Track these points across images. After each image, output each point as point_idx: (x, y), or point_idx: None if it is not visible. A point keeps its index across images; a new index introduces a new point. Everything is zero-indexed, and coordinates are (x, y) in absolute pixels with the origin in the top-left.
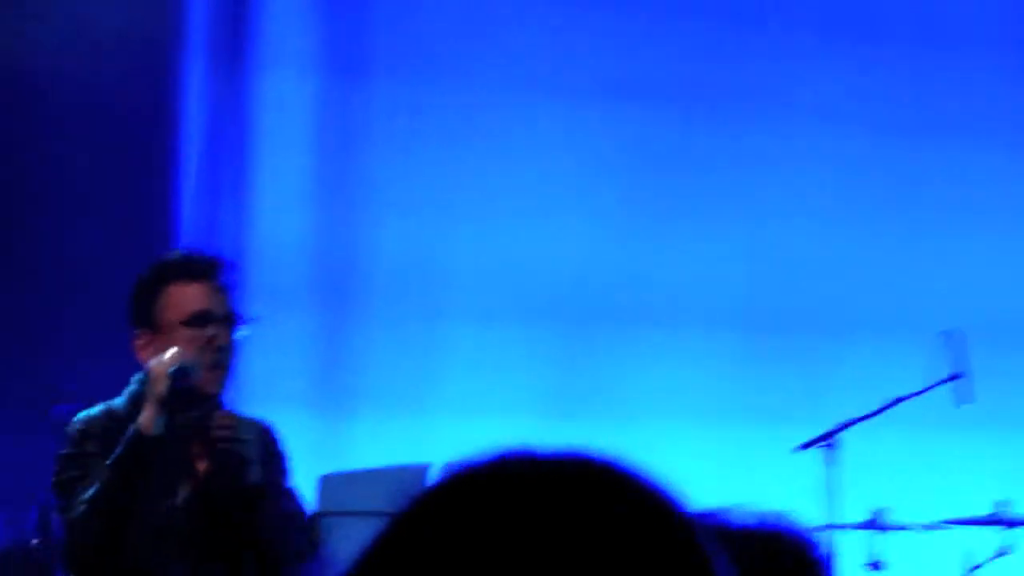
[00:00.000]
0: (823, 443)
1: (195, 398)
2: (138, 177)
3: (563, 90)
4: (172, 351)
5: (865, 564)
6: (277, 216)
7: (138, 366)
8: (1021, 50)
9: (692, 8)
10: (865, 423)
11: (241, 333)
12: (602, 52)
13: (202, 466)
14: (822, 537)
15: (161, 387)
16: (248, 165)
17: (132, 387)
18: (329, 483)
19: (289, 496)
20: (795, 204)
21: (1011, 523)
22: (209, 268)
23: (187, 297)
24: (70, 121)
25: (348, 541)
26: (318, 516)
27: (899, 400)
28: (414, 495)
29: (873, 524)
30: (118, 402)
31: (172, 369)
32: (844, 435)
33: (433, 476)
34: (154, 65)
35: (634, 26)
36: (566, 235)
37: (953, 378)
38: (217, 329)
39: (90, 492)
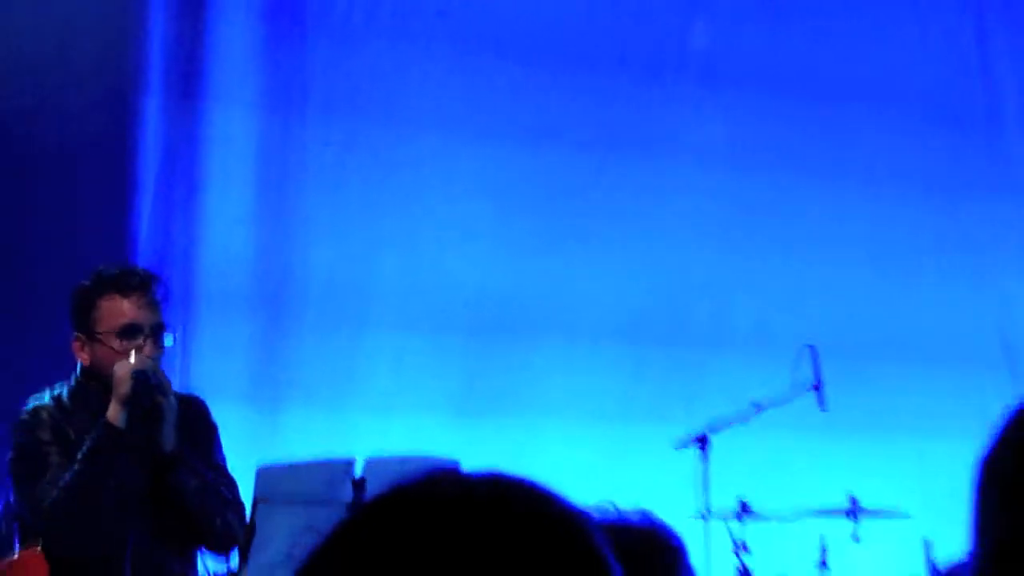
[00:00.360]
0: (697, 441)
1: (150, 395)
2: (100, 196)
3: (476, 131)
4: (133, 357)
5: (732, 549)
6: (223, 235)
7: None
8: (882, 99)
9: (592, 61)
10: (734, 425)
11: (167, 341)
12: (510, 99)
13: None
14: (679, 529)
15: (124, 388)
16: (197, 190)
17: (73, 381)
18: (265, 473)
19: (217, 469)
20: (676, 233)
21: (859, 514)
22: (140, 283)
23: (119, 310)
24: (41, 144)
25: (281, 526)
26: (255, 501)
27: (761, 407)
28: (346, 516)
29: (739, 513)
30: (61, 391)
31: (133, 372)
32: (715, 435)
33: (356, 469)
34: (116, 99)
35: (540, 77)
36: (476, 257)
37: (811, 388)
38: (145, 339)
39: (66, 478)
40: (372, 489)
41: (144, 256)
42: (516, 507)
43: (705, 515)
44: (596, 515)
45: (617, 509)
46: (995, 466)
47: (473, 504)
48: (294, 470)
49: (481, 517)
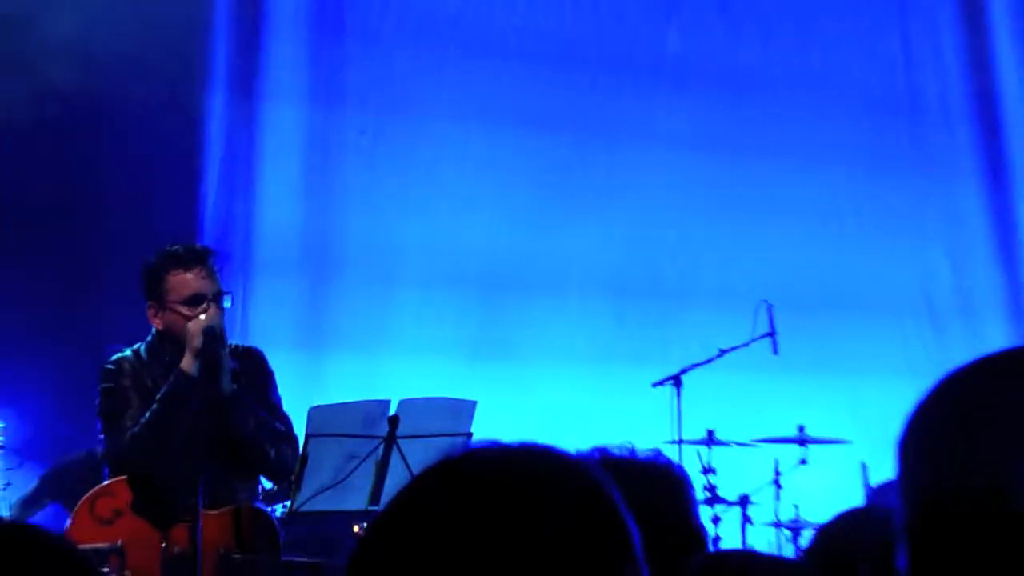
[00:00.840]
0: (671, 380)
1: (217, 348)
2: (174, 177)
3: (484, 119)
4: (204, 315)
5: (700, 471)
6: (275, 210)
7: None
8: (821, 91)
9: (582, 62)
10: (702, 366)
11: (226, 303)
12: (512, 93)
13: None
14: (681, 463)
15: (196, 341)
16: (254, 171)
17: (149, 339)
18: (316, 412)
19: (273, 408)
20: (651, 204)
21: (807, 441)
22: (199, 258)
23: (183, 283)
24: (123, 131)
25: (329, 456)
26: (307, 436)
27: (724, 351)
28: (399, 490)
29: (706, 441)
30: (140, 347)
31: (204, 327)
32: (686, 375)
33: (391, 408)
34: (187, 95)
35: (538, 75)
36: (484, 225)
37: (766, 335)
38: (208, 303)
39: (146, 416)
40: (404, 426)
41: (210, 229)
42: (543, 477)
43: (678, 442)
44: (617, 452)
45: (633, 449)
46: (920, 423)
47: (509, 477)
48: (339, 410)
49: (515, 489)
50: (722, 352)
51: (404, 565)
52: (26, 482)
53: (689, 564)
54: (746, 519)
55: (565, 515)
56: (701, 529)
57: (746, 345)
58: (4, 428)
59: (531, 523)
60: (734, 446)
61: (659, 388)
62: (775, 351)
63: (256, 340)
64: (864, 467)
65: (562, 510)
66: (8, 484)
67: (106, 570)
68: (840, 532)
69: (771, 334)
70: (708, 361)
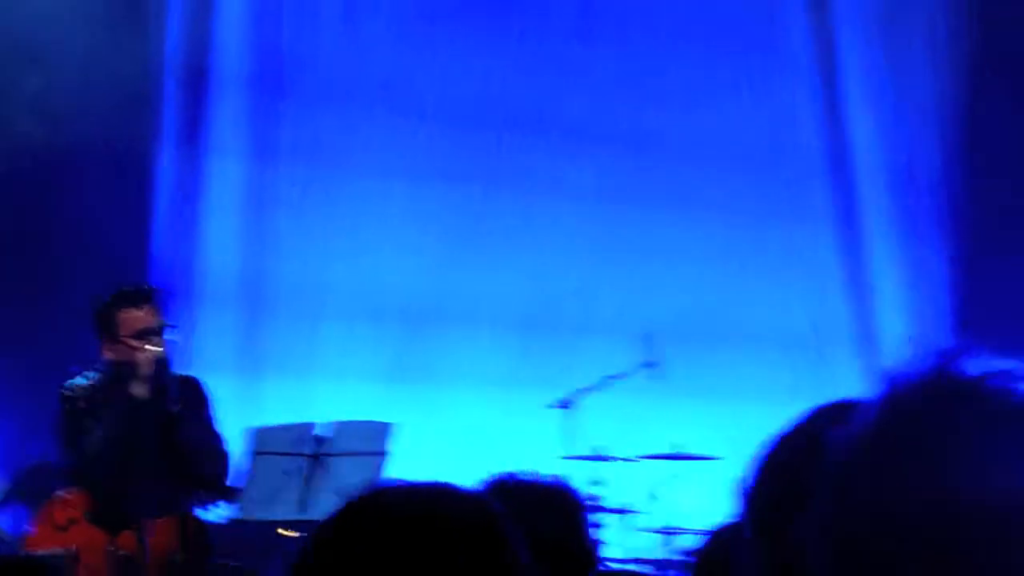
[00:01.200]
0: (565, 403)
1: (164, 374)
2: (127, 220)
3: (404, 175)
4: (151, 347)
5: (588, 483)
6: (216, 251)
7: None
8: (714, 150)
9: (492, 121)
10: (592, 392)
11: (170, 336)
12: (430, 150)
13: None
14: (549, 468)
15: (145, 370)
16: (198, 217)
17: (101, 367)
18: (257, 432)
19: (209, 430)
20: (554, 247)
21: (682, 458)
22: (147, 296)
23: (133, 319)
24: (80, 178)
25: (267, 470)
26: (253, 452)
27: (611, 378)
28: (316, 525)
29: (593, 456)
30: (93, 374)
31: (153, 358)
32: (579, 399)
33: (316, 430)
34: (139, 146)
35: (453, 133)
36: (404, 267)
37: (648, 364)
38: (155, 336)
39: (99, 434)
40: (331, 445)
41: (157, 268)
42: (442, 516)
43: (569, 457)
44: (522, 477)
45: (537, 474)
46: (753, 495)
47: (410, 517)
48: (274, 430)
49: (415, 528)
50: (611, 379)
51: None
52: None
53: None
54: (627, 526)
55: (459, 553)
56: (594, 548)
57: (632, 373)
58: None
59: (428, 560)
60: (618, 462)
61: (554, 410)
62: (655, 378)
63: (199, 367)
64: (735, 482)
65: (456, 547)
66: None
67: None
68: (718, 543)
69: (653, 364)
70: (596, 387)
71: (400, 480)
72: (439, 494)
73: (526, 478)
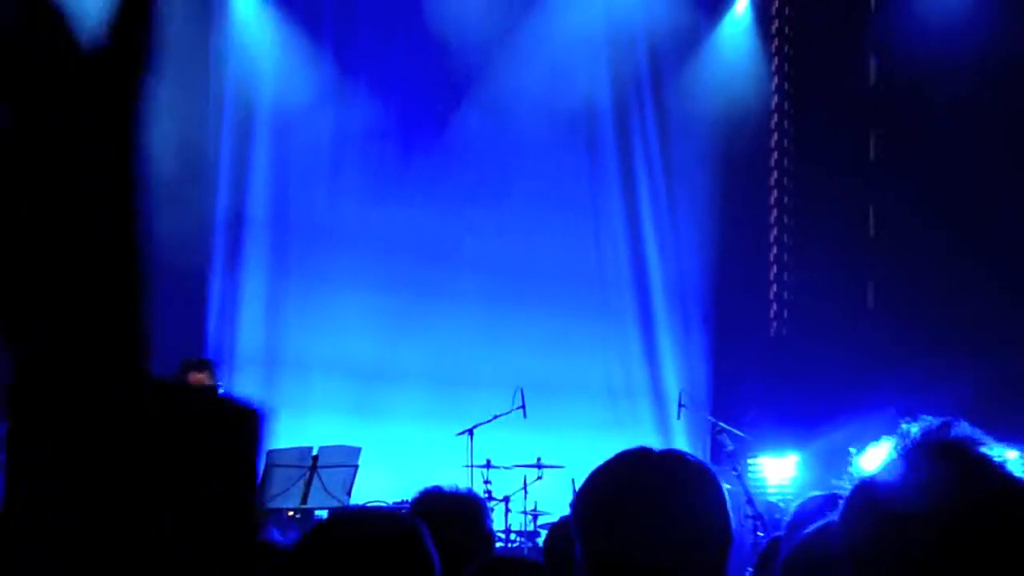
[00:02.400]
0: (468, 432)
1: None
2: (190, 316)
3: (366, 286)
4: None
5: (483, 482)
6: (247, 333)
7: None
8: (556, 274)
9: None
10: (484, 424)
11: (220, 389)
12: (379, 267)
13: None
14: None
15: None
16: (234, 313)
17: None
18: (270, 451)
19: None
20: (455, 333)
21: (541, 466)
22: (205, 364)
23: (197, 378)
24: (160, 285)
25: (277, 476)
26: (267, 467)
27: (497, 416)
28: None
29: (487, 465)
30: None
31: None
32: (476, 428)
33: (313, 451)
34: (196, 268)
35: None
36: (356, 332)
37: (519, 408)
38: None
39: None
40: (319, 460)
41: (210, 348)
42: (383, 535)
43: (470, 465)
44: (445, 489)
45: (455, 486)
46: (578, 510)
47: (362, 537)
48: (283, 451)
49: (367, 545)
50: (496, 416)
51: None
52: None
53: (479, 560)
54: (507, 510)
55: (391, 559)
56: (492, 536)
57: (510, 411)
58: None
59: (370, 566)
60: (501, 469)
61: (461, 435)
62: (524, 415)
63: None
64: (572, 482)
65: (390, 555)
66: None
67: None
68: (560, 530)
69: (523, 406)
70: (487, 421)
71: (357, 507)
72: (381, 516)
73: (447, 489)
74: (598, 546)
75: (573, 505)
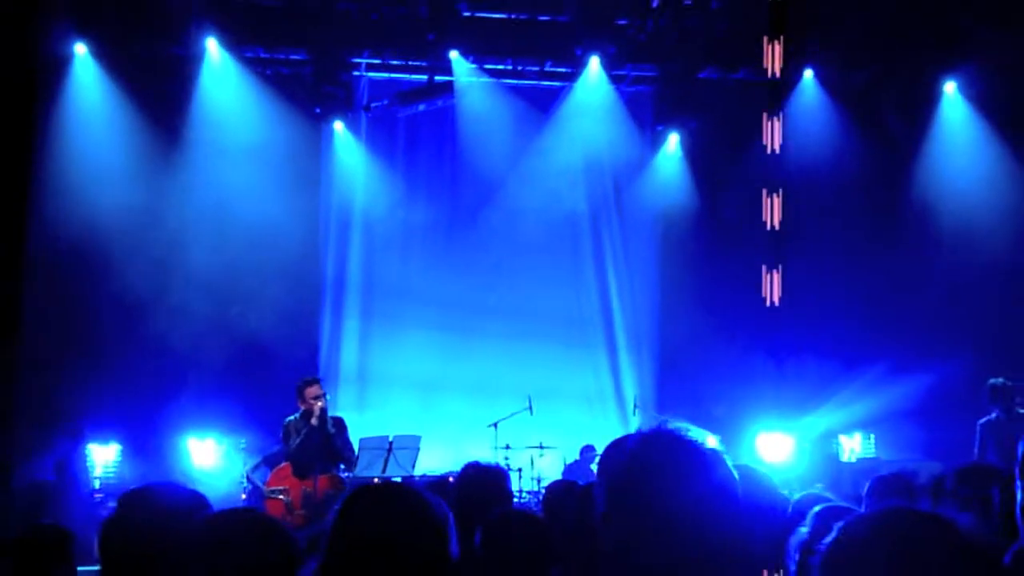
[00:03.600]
0: (495, 424)
1: (326, 415)
2: (307, 340)
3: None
4: (321, 404)
5: (503, 459)
6: (348, 357)
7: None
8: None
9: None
10: (504, 419)
11: (328, 398)
12: (431, 309)
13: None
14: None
15: (318, 413)
16: (338, 341)
17: (299, 411)
18: (363, 440)
19: (345, 439)
20: (490, 362)
21: (544, 447)
22: (316, 380)
23: (311, 391)
24: (282, 327)
25: (366, 457)
26: (360, 448)
27: (514, 413)
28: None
29: (507, 447)
30: (295, 415)
31: (320, 407)
32: (499, 422)
33: (390, 438)
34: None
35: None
36: (421, 359)
37: (527, 408)
38: (321, 399)
39: (298, 440)
40: (394, 444)
41: (320, 367)
42: (411, 504)
43: (496, 447)
44: (484, 464)
45: (481, 462)
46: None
47: (392, 507)
48: (370, 439)
49: (392, 516)
50: (512, 414)
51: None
52: None
53: (502, 508)
54: (520, 477)
55: (410, 515)
56: (511, 493)
57: (520, 412)
58: None
59: (408, 530)
60: (515, 450)
61: (490, 427)
62: (531, 414)
63: (339, 410)
64: (564, 461)
65: (408, 511)
66: None
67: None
68: (558, 489)
69: (530, 407)
70: (505, 417)
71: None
72: (406, 490)
73: (482, 463)
74: (625, 503)
75: (607, 472)
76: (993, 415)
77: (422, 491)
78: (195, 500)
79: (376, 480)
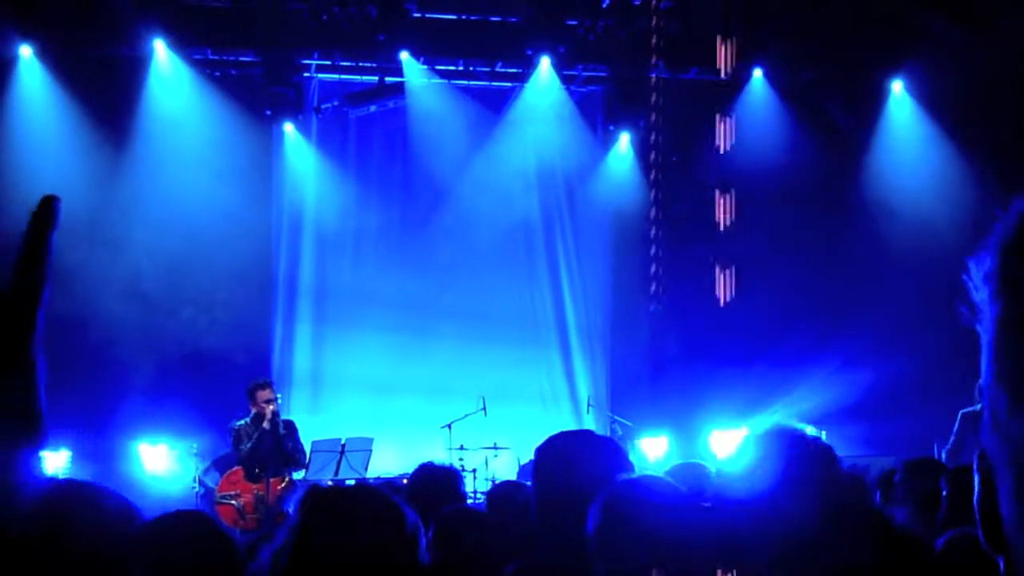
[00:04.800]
0: (448, 425)
1: (277, 417)
2: (258, 343)
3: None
4: (271, 406)
5: (457, 459)
6: (301, 360)
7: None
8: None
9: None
10: (458, 421)
11: (280, 402)
12: (384, 312)
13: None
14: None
15: (269, 416)
16: (291, 346)
17: (249, 415)
18: (315, 443)
19: (296, 442)
20: (445, 360)
21: (497, 448)
22: (268, 383)
23: (263, 393)
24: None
25: (318, 461)
26: (312, 451)
27: (468, 415)
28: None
29: (460, 448)
30: (246, 418)
31: (272, 411)
32: (453, 423)
33: (342, 440)
34: (261, 328)
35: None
36: (375, 353)
37: (481, 409)
38: (272, 402)
39: (248, 444)
40: (346, 447)
41: (272, 371)
42: (369, 504)
43: (450, 448)
44: (436, 464)
45: (442, 461)
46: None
47: (348, 506)
48: (323, 441)
49: (353, 513)
50: (465, 415)
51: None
52: None
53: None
54: (474, 477)
55: (381, 523)
56: (464, 494)
57: (474, 413)
58: None
59: (355, 531)
60: (468, 451)
61: (444, 428)
62: (485, 414)
63: (290, 413)
64: (518, 461)
65: (378, 519)
66: None
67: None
68: (504, 489)
69: (483, 408)
70: (460, 418)
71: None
72: (366, 489)
73: (435, 464)
74: (547, 483)
75: (536, 458)
76: (978, 407)
77: (390, 495)
78: (121, 510)
79: (329, 482)
